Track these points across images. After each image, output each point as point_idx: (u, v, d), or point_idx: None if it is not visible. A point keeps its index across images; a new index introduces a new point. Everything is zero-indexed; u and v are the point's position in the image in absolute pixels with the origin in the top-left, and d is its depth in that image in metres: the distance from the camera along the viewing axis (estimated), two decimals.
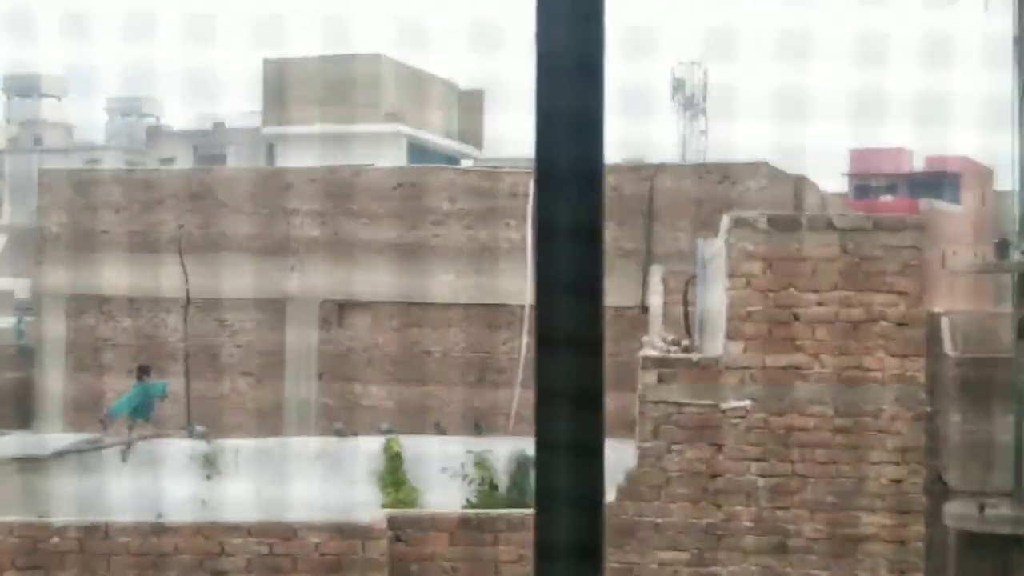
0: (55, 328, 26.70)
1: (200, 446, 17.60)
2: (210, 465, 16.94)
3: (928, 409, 11.37)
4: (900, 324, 10.81)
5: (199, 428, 20.63)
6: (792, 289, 10.85)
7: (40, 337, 27.31)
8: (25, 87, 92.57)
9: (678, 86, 56.23)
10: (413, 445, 17.73)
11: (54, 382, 26.43)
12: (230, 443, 18.06)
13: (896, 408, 10.76)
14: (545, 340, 1.75)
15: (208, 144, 70.50)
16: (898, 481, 10.76)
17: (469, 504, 15.76)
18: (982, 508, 19.56)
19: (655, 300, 16.42)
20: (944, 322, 22.48)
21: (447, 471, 16.37)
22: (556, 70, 1.70)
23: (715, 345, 11.24)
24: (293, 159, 33.54)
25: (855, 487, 10.75)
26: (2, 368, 30.81)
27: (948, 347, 21.85)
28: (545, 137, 1.72)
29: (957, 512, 20.01)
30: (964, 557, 20.31)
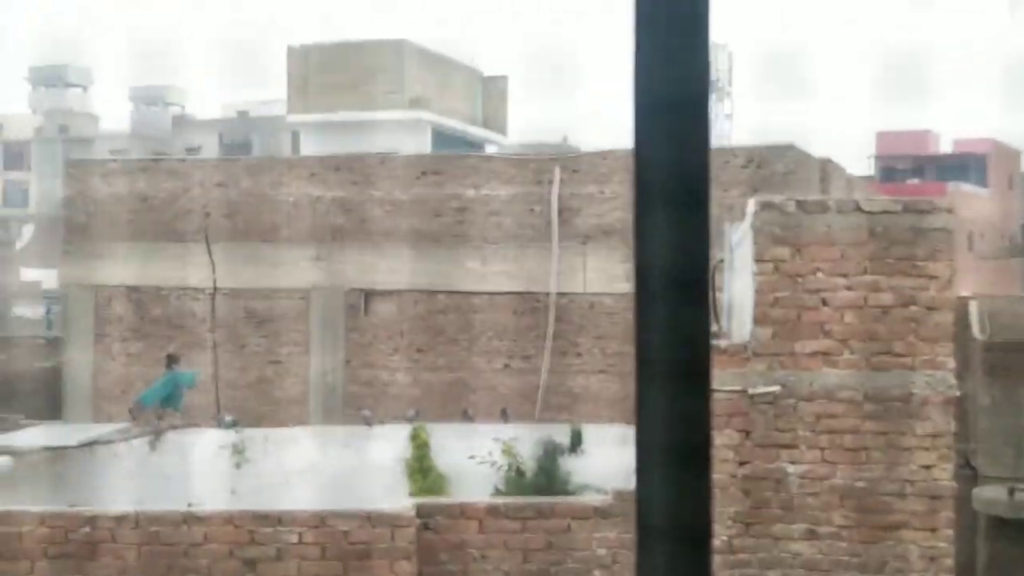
0: (83, 318, 26.84)
1: (229, 435, 17.65)
2: (239, 454, 16.99)
3: (958, 394, 11.30)
4: (930, 308, 10.74)
5: (228, 417, 20.70)
6: (820, 274, 10.79)
7: (68, 327, 27.46)
8: (51, 77, 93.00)
9: None
10: (440, 432, 17.73)
11: (83, 372, 26.57)
12: (259, 432, 18.10)
13: (926, 393, 10.69)
14: (646, 371, 1.61)
15: (233, 132, 70.65)
16: (928, 467, 10.70)
17: (497, 491, 15.76)
18: (1012, 493, 19.44)
19: None
20: (972, 306, 22.34)
21: (475, 458, 16.36)
22: (655, 32, 1.57)
23: (743, 331, 11.19)
24: (318, 147, 33.58)
25: (885, 473, 10.70)
26: (32, 358, 31.01)
27: (976, 331, 21.73)
28: (644, 116, 1.58)
29: (987, 497, 19.90)
30: (994, 542, 20.21)
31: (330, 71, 36.82)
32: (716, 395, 10.78)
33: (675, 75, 1.58)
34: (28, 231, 73.66)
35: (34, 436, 18.66)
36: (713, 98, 56.69)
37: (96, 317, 26.75)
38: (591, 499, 12.04)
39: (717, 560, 10.51)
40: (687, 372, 1.61)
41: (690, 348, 1.60)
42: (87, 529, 10.88)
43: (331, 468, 16.53)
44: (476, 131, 39.95)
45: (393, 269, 25.33)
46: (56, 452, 16.93)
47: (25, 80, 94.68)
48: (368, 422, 19.41)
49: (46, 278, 51.13)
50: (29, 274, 55.88)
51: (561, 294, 24.49)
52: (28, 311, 47.08)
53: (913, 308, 10.73)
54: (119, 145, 72.17)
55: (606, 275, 24.26)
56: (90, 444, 17.33)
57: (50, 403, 27.09)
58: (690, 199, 1.59)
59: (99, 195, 26.91)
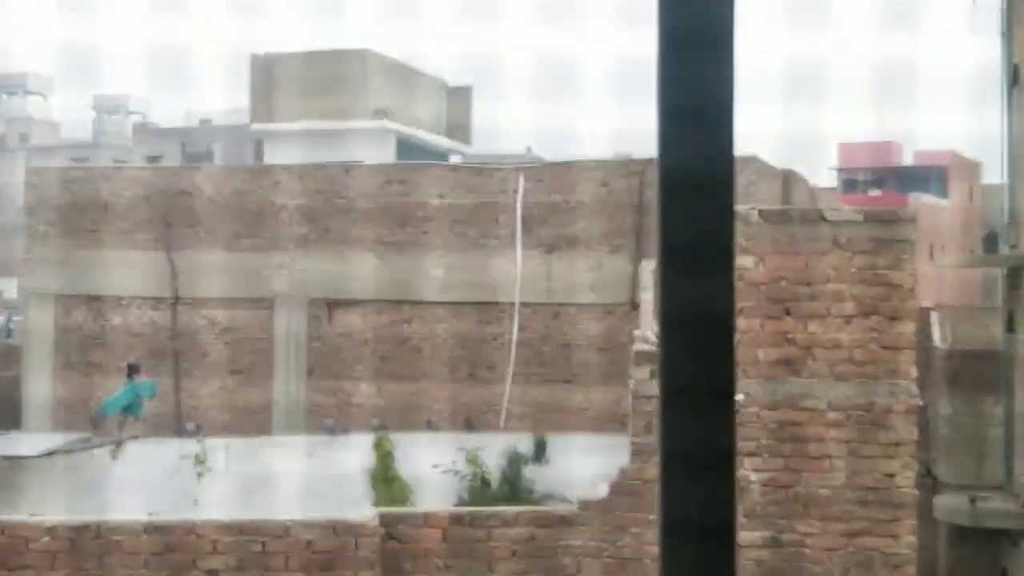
0: (43, 327, 26.61)
1: (190, 445, 17.54)
2: (201, 463, 16.89)
3: (920, 403, 11.37)
4: (892, 318, 10.81)
5: (190, 426, 20.58)
6: (784, 283, 10.85)
7: (28, 336, 27.21)
8: (11, 84, 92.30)
9: None
10: (404, 442, 17.69)
11: (43, 381, 26.34)
12: (220, 441, 18.00)
13: (888, 401, 10.76)
14: (671, 387, 1.62)
15: (195, 141, 70.36)
16: (891, 475, 10.77)
17: (461, 501, 15.73)
18: (973, 501, 19.58)
19: (646, 295, 16.41)
20: (933, 316, 22.52)
21: (438, 468, 16.33)
22: (682, 46, 1.58)
23: None
24: (281, 156, 33.47)
25: (848, 481, 10.76)
26: None
27: (937, 340, 21.89)
28: (669, 130, 1.60)
29: (948, 506, 20.04)
30: (955, 550, 20.35)
31: (294, 80, 36.73)
32: None
33: (700, 89, 1.60)
34: None
35: None
36: None
37: (56, 326, 26.52)
38: (556, 508, 12.04)
39: None
40: (711, 362, 1.63)
41: (714, 316, 1.62)
42: (47, 539, 10.78)
43: (294, 478, 16.46)
44: (440, 141, 39.95)
45: (357, 279, 25.26)
46: (15, 462, 16.78)
47: None
48: (331, 432, 19.35)
49: (6, 287, 50.69)
50: None
51: (525, 304, 24.50)
52: None
53: (876, 318, 10.80)
54: (80, 153, 71.64)
55: (571, 285, 24.29)
56: (50, 454, 17.18)
57: (9, 413, 26.82)
58: (716, 203, 1.62)
59: (60, 203, 26.70)
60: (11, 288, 47.15)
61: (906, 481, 10.79)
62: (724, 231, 1.60)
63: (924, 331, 20.29)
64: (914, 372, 10.89)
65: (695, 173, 1.60)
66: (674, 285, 1.61)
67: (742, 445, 10.74)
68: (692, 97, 1.59)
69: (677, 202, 1.60)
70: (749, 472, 10.76)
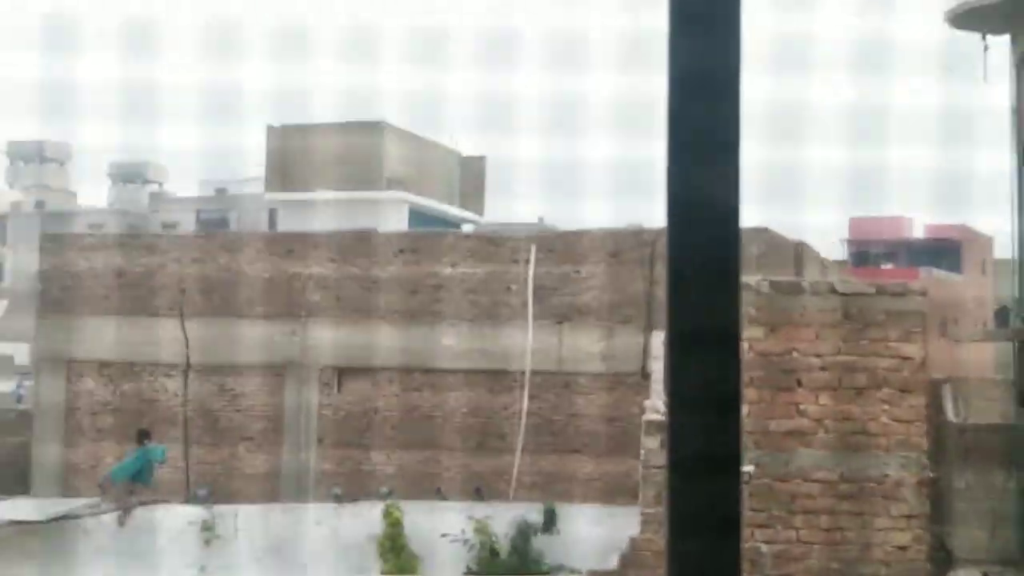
0: (54, 392, 26.63)
1: (199, 511, 17.49)
2: (209, 530, 16.82)
3: (932, 475, 11.32)
4: (903, 390, 10.79)
5: (200, 492, 20.52)
6: (795, 354, 10.84)
7: (39, 402, 27.23)
8: (29, 153, 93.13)
9: None
10: (414, 510, 17.62)
11: (53, 446, 26.31)
12: (229, 508, 17.94)
13: (900, 474, 10.71)
14: (679, 398, 1.69)
15: (211, 210, 70.82)
16: (903, 548, 10.69)
17: (469, 570, 15.64)
18: None
19: (657, 365, 16.41)
20: (946, 389, 22.43)
21: (448, 537, 16.25)
22: (690, 94, 1.66)
23: None
24: (296, 225, 33.66)
25: (860, 554, 10.68)
26: (1, 433, 30.72)
27: (950, 413, 21.80)
28: (677, 160, 1.68)
29: None
30: None
31: (309, 151, 37.04)
32: None
33: (708, 124, 1.68)
34: (2, 305, 73.32)
35: (2, 511, 18.44)
36: None
37: (68, 391, 26.53)
38: None
39: None
40: (717, 390, 1.69)
41: (721, 327, 1.68)
42: None
43: (303, 546, 16.38)
44: (453, 210, 40.16)
45: (368, 346, 25.28)
46: (24, 527, 16.74)
47: (3, 155, 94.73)
48: (339, 500, 19.28)
49: (18, 352, 50.78)
50: (2, 348, 55.52)
51: (536, 372, 24.47)
52: None
53: (887, 390, 10.78)
54: (96, 221, 72.11)
55: (581, 354, 24.27)
56: (59, 519, 17.14)
57: (18, 478, 26.78)
58: (723, 228, 1.69)
59: (74, 269, 26.82)
60: (23, 354, 47.24)
61: (918, 554, 10.71)
62: (730, 256, 1.67)
63: (937, 404, 20.21)
64: (925, 444, 10.86)
65: (702, 200, 1.67)
66: (681, 305, 1.67)
67: (753, 516, 10.69)
68: (700, 132, 1.67)
69: (685, 227, 1.67)
70: (761, 544, 10.69)
